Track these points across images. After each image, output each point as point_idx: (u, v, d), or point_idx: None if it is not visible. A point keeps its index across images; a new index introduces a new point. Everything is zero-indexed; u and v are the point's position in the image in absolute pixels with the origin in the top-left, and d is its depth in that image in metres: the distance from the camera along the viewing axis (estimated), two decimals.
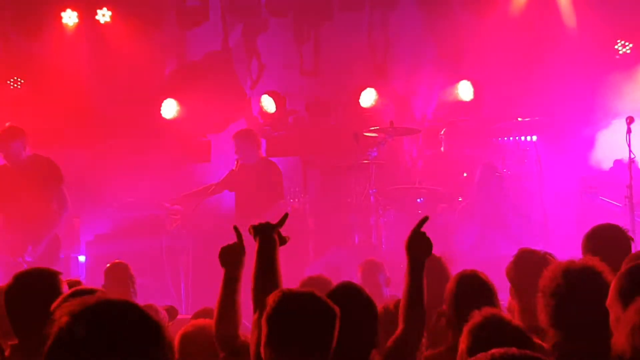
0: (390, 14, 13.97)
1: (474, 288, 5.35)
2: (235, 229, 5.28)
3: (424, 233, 5.07)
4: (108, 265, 8.52)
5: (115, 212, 12.06)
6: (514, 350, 2.63)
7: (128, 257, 9.05)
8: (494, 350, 2.65)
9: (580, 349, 4.27)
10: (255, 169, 12.05)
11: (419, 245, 5.05)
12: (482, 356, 2.63)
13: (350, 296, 4.82)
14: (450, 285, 5.43)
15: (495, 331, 4.22)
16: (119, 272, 8.32)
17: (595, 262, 4.63)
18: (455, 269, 6.54)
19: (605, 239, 6.17)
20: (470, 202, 11.65)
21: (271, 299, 4.29)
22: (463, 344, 4.24)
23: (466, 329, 4.29)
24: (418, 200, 11.89)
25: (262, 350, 4.22)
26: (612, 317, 4.02)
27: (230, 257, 5.18)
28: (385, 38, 14.03)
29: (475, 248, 10.92)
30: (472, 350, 4.17)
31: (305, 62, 14.14)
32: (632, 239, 6.37)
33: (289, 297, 4.31)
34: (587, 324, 4.33)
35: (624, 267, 4.88)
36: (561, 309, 4.44)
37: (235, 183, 12.13)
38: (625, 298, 3.94)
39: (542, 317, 4.52)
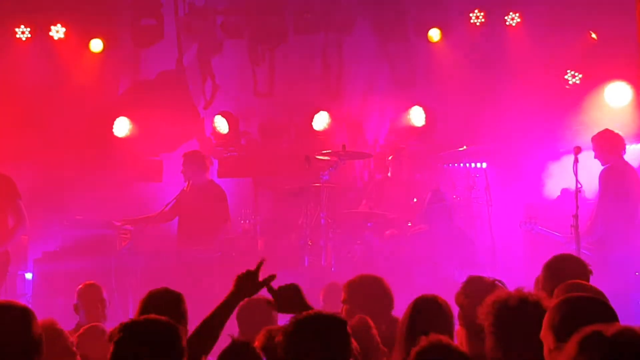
0: (345, 37, 14.05)
1: (431, 312, 5.38)
2: (260, 262, 5.49)
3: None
4: (81, 286, 8.48)
5: (64, 229, 11.96)
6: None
7: (75, 276, 8.98)
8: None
9: None
10: (201, 191, 12.05)
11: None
12: None
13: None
14: (409, 308, 5.47)
15: (440, 357, 4.28)
16: (91, 294, 8.30)
17: (531, 293, 4.68)
18: (403, 294, 6.60)
19: (564, 269, 6.24)
20: (419, 228, 11.71)
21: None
22: None
23: (412, 353, 4.35)
24: (368, 224, 11.94)
25: None
26: (545, 348, 4.08)
27: (245, 282, 5.38)
28: (339, 62, 14.10)
29: (423, 273, 10.97)
30: None
31: (259, 83, 14.15)
32: (592, 272, 6.43)
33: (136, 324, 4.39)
34: (527, 355, 4.38)
35: (555, 298, 4.96)
36: (500, 343, 4.48)
37: (181, 205, 12.09)
38: (557, 330, 4.02)
39: (493, 353, 4.56)
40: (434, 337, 4.47)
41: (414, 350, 4.39)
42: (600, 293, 5.26)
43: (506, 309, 4.53)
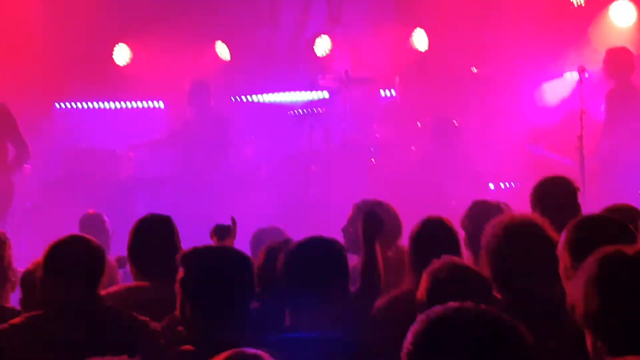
0: None
1: (438, 234, 5.38)
2: (233, 220, 5.86)
3: (375, 213, 5.42)
4: (83, 214, 8.47)
5: (67, 159, 11.96)
6: (469, 304, 2.63)
7: (78, 205, 8.98)
8: (450, 304, 2.66)
9: (524, 301, 4.33)
10: (204, 118, 12.04)
11: (370, 224, 5.38)
12: (438, 309, 2.63)
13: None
14: (415, 229, 5.47)
15: (455, 274, 4.33)
16: (92, 223, 8.27)
17: (534, 216, 4.69)
18: (405, 219, 6.59)
19: (552, 191, 6.24)
20: (424, 153, 11.63)
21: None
22: (422, 286, 4.37)
23: (426, 273, 4.42)
24: (371, 149, 11.89)
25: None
26: (561, 265, 4.09)
27: (220, 234, 5.74)
28: None
29: (427, 199, 10.92)
30: (431, 292, 4.31)
31: (260, 9, 14.02)
32: (579, 189, 6.46)
33: (204, 253, 4.50)
34: (529, 277, 4.39)
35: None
36: (503, 266, 4.48)
37: (186, 132, 12.10)
38: (573, 248, 4.03)
39: (487, 272, 4.57)
40: (446, 257, 4.51)
41: (427, 271, 4.42)
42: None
43: (508, 231, 4.52)
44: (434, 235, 5.36)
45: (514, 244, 4.46)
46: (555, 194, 6.14)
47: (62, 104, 13.77)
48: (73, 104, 13.82)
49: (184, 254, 4.47)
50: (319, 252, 4.56)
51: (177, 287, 4.39)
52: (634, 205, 5.75)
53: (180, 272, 4.40)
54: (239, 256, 4.49)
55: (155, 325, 4.77)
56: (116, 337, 4.58)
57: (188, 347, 4.26)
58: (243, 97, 13.91)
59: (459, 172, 11.42)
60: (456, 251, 5.27)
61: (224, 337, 3.85)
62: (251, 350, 2.90)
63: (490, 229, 4.58)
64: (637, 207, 5.70)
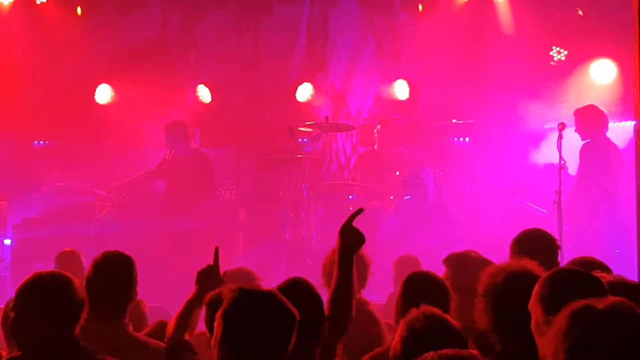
0: (330, 9, 13.98)
1: (426, 287, 5.33)
2: (216, 251, 5.36)
3: (354, 227, 5.05)
4: (59, 252, 8.39)
5: (44, 196, 11.90)
6: (447, 351, 2.62)
7: (55, 243, 8.93)
8: (430, 354, 2.63)
9: (518, 349, 4.31)
10: (186, 161, 12.02)
11: (350, 238, 5.04)
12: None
13: (299, 291, 4.74)
14: (401, 285, 5.40)
15: (432, 325, 4.29)
16: (69, 260, 8.19)
17: (534, 266, 4.67)
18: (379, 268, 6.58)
19: (532, 244, 6.22)
20: (400, 202, 11.68)
21: (229, 295, 4.21)
22: (398, 335, 4.30)
23: (402, 322, 4.36)
24: (350, 196, 11.91)
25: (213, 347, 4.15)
26: (533, 321, 4.07)
27: (207, 278, 5.26)
28: (324, 33, 14.04)
29: (395, 245, 10.90)
30: (406, 342, 4.25)
31: (243, 53, 14.08)
32: (560, 247, 6.43)
33: (247, 295, 4.18)
34: (525, 325, 4.36)
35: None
36: (502, 312, 4.47)
37: (166, 173, 12.08)
38: (546, 303, 4.00)
39: (481, 320, 4.54)
40: (424, 307, 4.46)
41: (404, 320, 4.38)
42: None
43: (509, 278, 4.50)
44: (423, 289, 5.30)
45: (514, 291, 4.44)
46: (534, 247, 6.10)
47: (41, 142, 13.72)
48: (52, 141, 13.77)
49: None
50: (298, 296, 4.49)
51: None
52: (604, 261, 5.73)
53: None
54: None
55: None
56: None
57: None
58: (222, 141, 13.91)
59: (435, 221, 11.44)
60: (445, 305, 5.21)
61: None
62: None
63: (488, 277, 4.56)
64: (614, 264, 5.71)
